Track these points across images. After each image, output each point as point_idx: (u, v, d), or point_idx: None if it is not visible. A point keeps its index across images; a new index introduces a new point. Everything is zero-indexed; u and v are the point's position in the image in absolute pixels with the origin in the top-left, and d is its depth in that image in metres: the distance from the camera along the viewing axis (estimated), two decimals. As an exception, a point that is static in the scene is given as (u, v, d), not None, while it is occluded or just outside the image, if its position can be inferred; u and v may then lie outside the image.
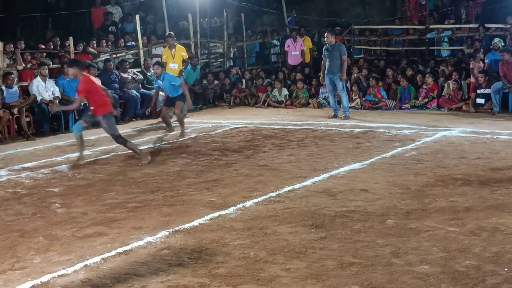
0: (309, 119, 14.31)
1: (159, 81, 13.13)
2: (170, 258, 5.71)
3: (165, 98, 13.66)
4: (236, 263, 5.52)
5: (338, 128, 12.83)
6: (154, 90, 14.08)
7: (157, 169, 9.75)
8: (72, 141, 12.72)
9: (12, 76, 13.98)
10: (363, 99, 16.05)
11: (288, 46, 19.37)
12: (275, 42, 22.35)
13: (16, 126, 13.71)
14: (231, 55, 21.16)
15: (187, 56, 16.07)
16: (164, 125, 13.67)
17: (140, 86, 16.36)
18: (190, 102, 13.33)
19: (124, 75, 16.04)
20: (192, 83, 17.39)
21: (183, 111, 13.26)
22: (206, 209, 7.27)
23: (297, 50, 19.18)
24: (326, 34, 14.88)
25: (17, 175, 9.72)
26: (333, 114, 14.59)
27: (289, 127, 13.38)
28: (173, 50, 15.34)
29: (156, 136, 13.08)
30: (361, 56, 20.30)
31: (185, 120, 15.05)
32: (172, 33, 16.07)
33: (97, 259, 5.77)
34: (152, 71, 16.67)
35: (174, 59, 15.27)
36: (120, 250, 5.99)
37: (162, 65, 13.57)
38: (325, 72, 14.52)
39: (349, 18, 21.33)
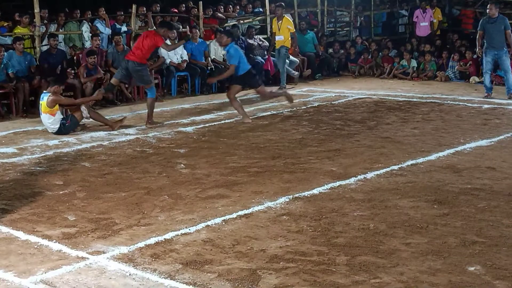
0: (436, 93, 13.91)
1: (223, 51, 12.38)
2: (289, 224, 5.77)
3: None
4: (355, 234, 5.50)
5: (465, 103, 12.40)
6: None
7: (279, 136, 9.83)
8: (196, 104, 13.07)
9: (143, 38, 14.41)
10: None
11: (417, 16, 18.78)
12: (404, 12, 21.81)
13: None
14: (358, 24, 20.85)
15: (294, 31, 15.44)
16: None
17: (266, 52, 16.39)
18: (214, 80, 13.06)
19: (251, 41, 16.15)
20: (305, 50, 17.10)
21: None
22: (327, 178, 7.28)
23: (426, 21, 18.57)
24: (489, 5, 13.40)
25: (145, 135, 10.09)
26: (486, 93, 13.17)
27: (415, 100, 13.08)
28: (280, 22, 15.00)
29: (279, 103, 13.14)
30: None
31: (308, 88, 15.02)
32: (282, 3, 15.44)
33: (218, 220, 5.93)
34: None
35: (280, 31, 14.97)
36: (241, 213, 6.12)
37: (231, 34, 11.65)
38: (486, 47, 13.17)
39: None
